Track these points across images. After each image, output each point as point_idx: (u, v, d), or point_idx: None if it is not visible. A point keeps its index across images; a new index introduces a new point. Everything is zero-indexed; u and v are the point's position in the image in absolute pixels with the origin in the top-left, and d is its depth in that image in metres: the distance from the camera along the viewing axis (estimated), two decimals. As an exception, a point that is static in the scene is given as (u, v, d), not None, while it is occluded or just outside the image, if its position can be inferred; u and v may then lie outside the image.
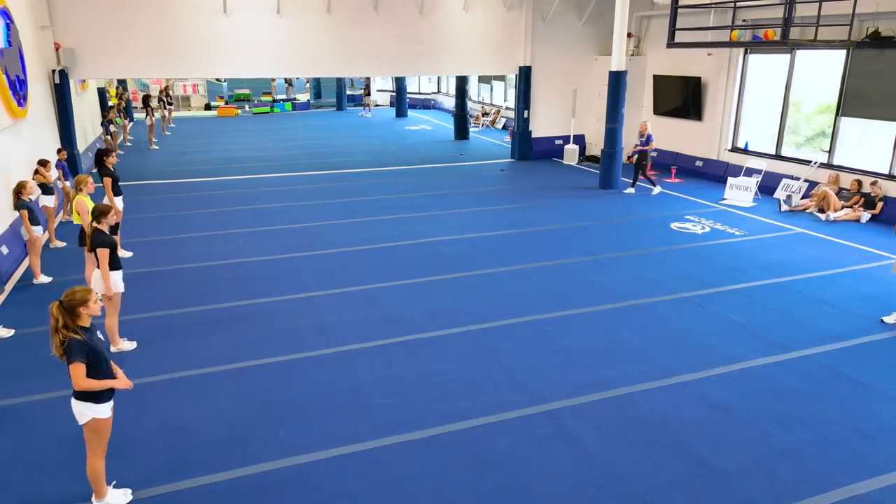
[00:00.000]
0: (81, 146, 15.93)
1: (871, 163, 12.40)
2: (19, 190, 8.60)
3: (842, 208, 11.95)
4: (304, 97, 33.05)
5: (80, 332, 4.07)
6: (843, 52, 12.42)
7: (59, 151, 12.15)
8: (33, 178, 10.13)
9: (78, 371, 4.02)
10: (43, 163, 10.30)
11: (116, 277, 6.56)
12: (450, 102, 29.07)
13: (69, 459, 4.89)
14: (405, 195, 13.95)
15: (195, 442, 5.19)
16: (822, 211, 12.16)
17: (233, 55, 15.20)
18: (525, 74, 17.72)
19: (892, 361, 6.51)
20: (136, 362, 6.49)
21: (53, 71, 13.75)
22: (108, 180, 9.60)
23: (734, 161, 15.09)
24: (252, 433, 5.32)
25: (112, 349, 6.60)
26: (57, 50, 13.74)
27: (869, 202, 11.90)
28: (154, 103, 23.11)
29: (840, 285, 8.60)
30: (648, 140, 13.64)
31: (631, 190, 14.17)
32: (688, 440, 5.20)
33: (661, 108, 16.97)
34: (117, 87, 26.23)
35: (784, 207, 12.50)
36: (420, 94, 33.08)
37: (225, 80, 31.01)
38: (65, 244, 10.21)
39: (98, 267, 6.39)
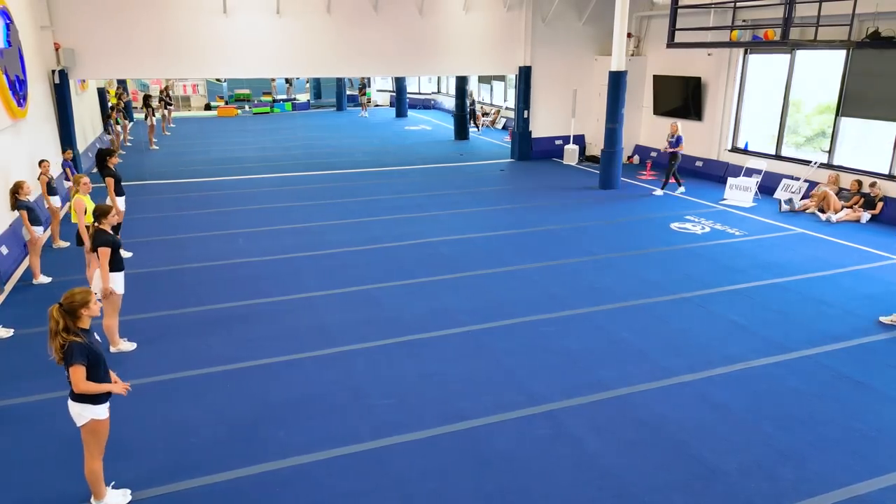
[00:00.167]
0: (81, 146, 15.93)
1: (871, 163, 12.40)
2: (16, 190, 8.59)
3: (842, 209, 11.95)
4: (304, 97, 33.03)
5: (80, 334, 4.07)
6: (843, 53, 12.42)
7: (64, 151, 12.15)
8: (38, 179, 10.13)
9: (78, 374, 4.02)
10: (41, 163, 10.29)
11: (118, 278, 6.56)
12: (450, 102, 29.06)
13: (69, 460, 4.89)
14: (405, 195, 13.95)
15: (195, 442, 5.19)
16: (822, 211, 12.16)
17: (233, 55, 15.20)
18: (525, 75, 17.72)
19: (892, 362, 6.51)
20: (136, 363, 6.49)
21: (53, 71, 13.74)
22: (110, 180, 9.59)
23: (734, 161, 15.09)
24: (252, 433, 5.32)
25: (112, 350, 6.60)
26: (57, 50, 13.74)
27: (869, 202, 11.90)
28: (154, 103, 23.09)
29: (840, 286, 8.60)
30: (679, 141, 13.51)
31: (682, 189, 14.06)
32: (688, 440, 5.20)
33: (660, 109, 16.97)
34: (117, 88, 26.21)
35: (784, 207, 12.49)
36: (420, 94, 33.08)
37: (225, 81, 30.99)
38: (68, 244, 10.20)
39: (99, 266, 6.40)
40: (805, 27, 12.25)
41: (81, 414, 4.17)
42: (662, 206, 12.94)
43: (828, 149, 13.12)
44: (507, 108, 25.60)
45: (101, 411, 4.22)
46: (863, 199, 11.98)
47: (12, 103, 10.48)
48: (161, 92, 25.61)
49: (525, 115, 18.14)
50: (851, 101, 12.47)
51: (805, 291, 8.39)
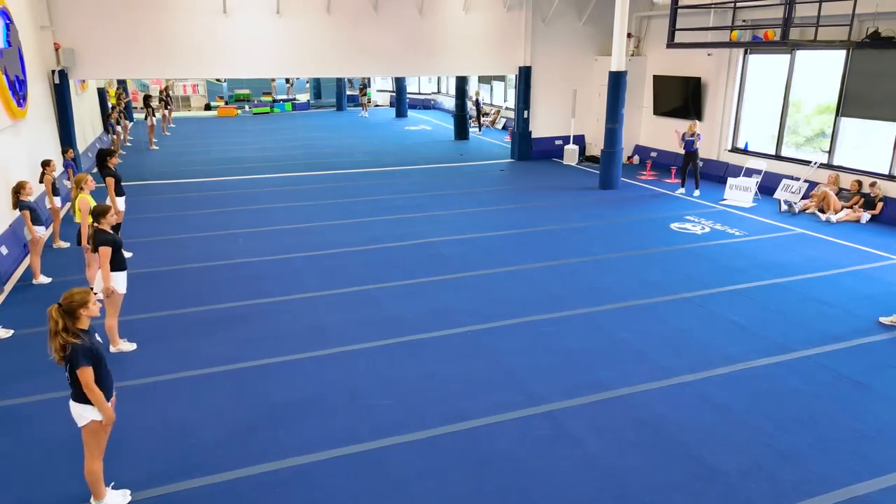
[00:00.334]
0: (81, 146, 15.93)
1: (871, 163, 12.40)
2: (18, 190, 8.59)
3: (842, 209, 11.95)
4: (304, 97, 33.04)
5: (80, 334, 4.07)
6: (843, 53, 12.41)
7: (66, 151, 12.15)
8: (42, 181, 10.12)
9: (87, 376, 4.03)
10: (46, 163, 10.29)
11: (121, 278, 6.57)
12: (450, 103, 29.06)
13: (69, 460, 4.89)
14: (405, 195, 13.95)
15: (195, 443, 5.19)
16: (822, 211, 12.16)
17: (233, 55, 15.20)
18: (525, 75, 17.72)
19: (892, 362, 6.51)
20: (136, 363, 6.49)
21: (53, 71, 13.75)
22: (110, 180, 9.58)
23: (734, 161, 15.09)
24: (252, 434, 5.31)
25: (112, 350, 6.59)
26: (57, 50, 13.74)
27: (869, 202, 11.89)
28: (155, 103, 23.11)
29: (840, 286, 8.59)
30: (697, 139, 13.44)
31: (696, 192, 13.94)
32: (688, 441, 5.20)
33: (660, 109, 16.97)
34: (117, 88, 26.21)
35: (784, 208, 12.49)
36: (420, 94, 33.08)
37: (225, 81, 31.00)
38: (68, 244, 10.20)
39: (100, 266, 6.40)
40: (805, 27, 12.25)
41: (82, 415, 4.17)
42: (662, 207, 12.94)
43: (828, 149, 13.12)
44: (507, 108, 25.60)
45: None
46: (863, 200, 11.98)
47: (12, 103, 10.48)
48: (161, 92, 25.62)
49: (525, 115, 18.14)
50: (851, 101, 12.47)
51: (805, 291, 8.39)
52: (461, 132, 22.41)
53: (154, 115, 21.43)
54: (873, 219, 11.74)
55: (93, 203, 7.90)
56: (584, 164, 17.76)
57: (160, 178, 15.94)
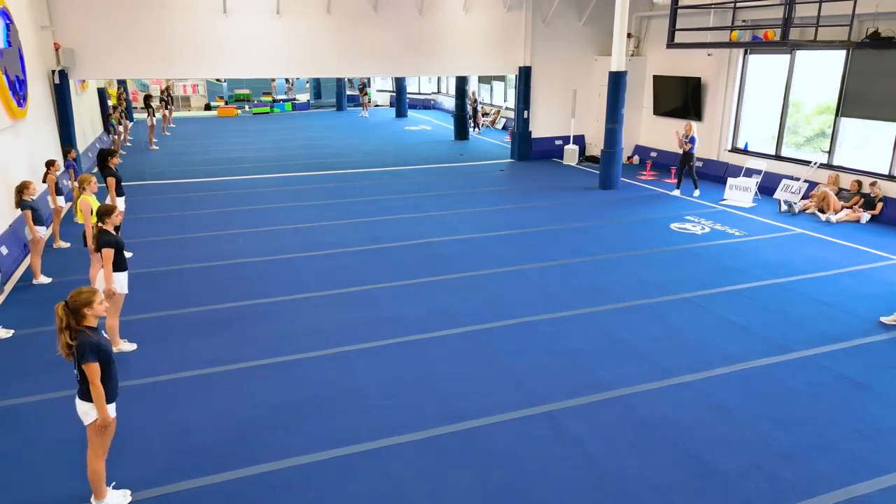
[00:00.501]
0: (81, 146, 15.92)
1: (871, 163, 12.40)
2: (22, 189, 8.58)
3: (841, 209, 11.95)
4: (304, 97, 33.04)
5: (87, 331, 4.09)
6: (842, 53, 12.42)
7: (68, 151, 12.15)
8: (45, 181, 10.12)
9: (93, 371, 4.06)
10: (51, 162, 10.29)
11: (122, 278, 6.58)
12: (450, 103, 29.06)
13: (69, 460, 4.89)
14: (405, 195, 13.95)
15: (195, 443, 5.19)
16: (822, 211, 12.16)
17: (233, 55, 15.20)
18: (525, 75, 17.72)
19: (892, 362, 6.51)
20: (136, 363, 6.49)
21: (53, 71, 13.75)
22: (111, 181, 9.59)
23: (734, 161, 15.09)
24: (251, 434, 5.31)
25: (112, 350, 6.58)
26: (57, 50, 13.74)
27: (869, 203, 11.90)
28: (155, 103, 23.11)
29: (840, 286, 8.60)
30: (690, 141, 13.44)
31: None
32: (687, 441, 5.20)
33: (660, 109, 16.97)
34: (119, 89, 26.20)
35: (784, 208, 12.49)
36: (420, 94, 33.08)
37: (225, 81, 31.00)
38: (69, 244, 10.21)
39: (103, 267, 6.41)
40: (805, 27, 12.25)
41: (88, 413, 4.19)
42: (662, 207, 12.94)
43: (828, 149, 13.12)
44: (507, 108, 25.59)
45: (109, 410, 4.23)
46: (863, 200, 11.98)
47: (12, 103, 10.49)
48: (162, 92, 25.61)
49: (525, 116, 18.14)
50: (851, 102, 12.47)
51: (805, 291, 8.39)
52: (461, 132, 22.41)
53: (154, 115, 21.43)
54: (873, 219, 11.74)
55: (95, 204, 7.92)
56: (584, 165, 17.76)
57: (160, 178, 15.94)
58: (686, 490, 4.63)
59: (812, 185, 12.92)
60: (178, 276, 9.08)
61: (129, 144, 21.41)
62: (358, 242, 10.56)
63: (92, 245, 6.88)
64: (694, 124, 13.82)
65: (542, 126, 18.43)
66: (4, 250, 9.04)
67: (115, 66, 14.74)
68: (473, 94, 25.77)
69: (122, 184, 9.97)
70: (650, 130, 17.55)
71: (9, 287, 8.53)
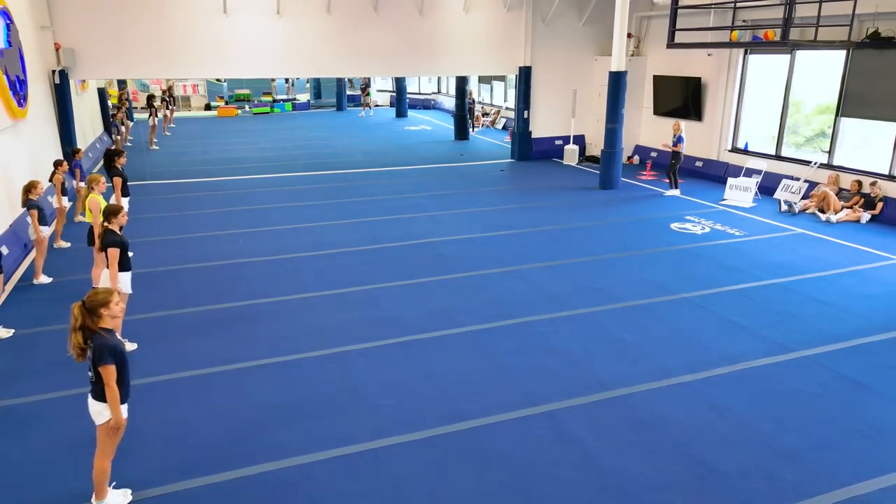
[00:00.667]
0: (81, 146, 15.87)
1: (871, 163, 12.40)
2: (29, 189, 8.57)
3: (842, 209, 11.95)
4: (304, 97, 33.04)
5: (102, 332, 4.10)
6: (843, 53, 12.42)
7: (75, 152, 12.15)
8: (52, 180, 10.11)
9: (110, 373, 4.07)
10: (59, 162, 10.29)
11: (126, 278, 6.58)
12: (450, 103, 29.07)
13: (69, 459, 4.89)
14: (405, 195, 13.95)
15: (195, 443, 5.19)
16: (822, 211, 12.16)
17: (233, 55, 15.20)
18: (525, 75, 17.72)
19: (892, 362, 6.51)
20: (136, 363, 6.46)
21: (53, 71, 13.75)
22: (118, 180, 9.57)
23: (734, 161, 15.09)
24: (251, 434, 5.32)
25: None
26: (57, 50, 13.74)
27: (869, 203, 11.90)
28: (157, 103, 23.11)
29: (840, 286, 8.60)
30: (678, 140, 13.50)
31: (676, 192, 13.98)
32: (687, 441, 5.20)
33: (661, 109, 16.97)
34: (120, 89, 26.21)
35: (784, 208, 12.49)
36: (420, 94, 33.08)
37: (225, 81, 30.99)
38: (69, 244, 10.20)
39: (108, 266, 6.40)
40: (805, 27, 12.25)
41: (101, 413, 4.20)
42: (662, 207, 12.95)
43: (828, 149, 13.12)
44: (507, 108, 25.59)
45: (121, 411, 4.24)
46: (863, 200, 11.98)
47: (12, 103, 10.49)
48: (163, 92, 25.61)
49: (525, 116, 18.14)
50: (851, 102, 12.47)
51: (805, 292, 8.39)
52: (461, 132, 22.41)
53: (156, 115, 21.43)
54: (873, 219, 11.74)
55: (103, 203, 7.91)
56: (585, 165, 17.76)
57: (160, 178, 15.94)
58: (686, 490, 4.63)
59: (812, 185, 12.92)
60: (177, 276, 9.09)
61: (129, 144, 21.40)
62: (358, 242, 10.56)
63: (98, 244, 6.88)
64: (682, 123, 13.83)
65: (542, 126, 18.43)
66: (5, 250, 9.02)
67: (116, 67, 14.75)
68: (471, 93, 25.78)
69: (128, 184, 9.95)
70: (650, 130, 17.54)
71: (9, 287, 8.53)
